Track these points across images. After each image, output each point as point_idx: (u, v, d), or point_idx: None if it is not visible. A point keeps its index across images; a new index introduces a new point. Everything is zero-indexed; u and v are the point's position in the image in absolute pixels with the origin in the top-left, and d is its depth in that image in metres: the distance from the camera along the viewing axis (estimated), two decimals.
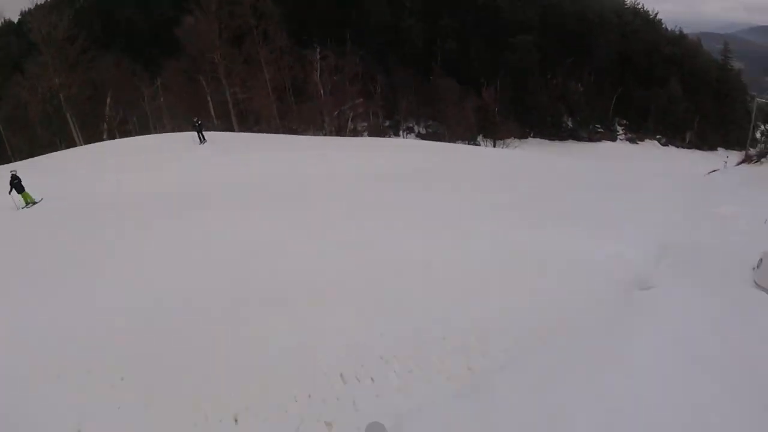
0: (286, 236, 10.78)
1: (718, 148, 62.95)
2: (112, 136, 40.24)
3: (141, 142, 31.21)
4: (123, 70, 46.32)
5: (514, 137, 54.03)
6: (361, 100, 48.91)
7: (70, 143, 40.50)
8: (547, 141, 61.26)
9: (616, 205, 14.09)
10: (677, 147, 64.78)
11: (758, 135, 61.95)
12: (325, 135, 43.23)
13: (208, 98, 42.38)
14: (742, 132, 66.07)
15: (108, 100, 44.61)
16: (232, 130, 40.55)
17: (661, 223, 11.93)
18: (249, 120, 44.39)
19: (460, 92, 54.54)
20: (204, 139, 29.02)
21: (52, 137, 42.86)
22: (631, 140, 65.45)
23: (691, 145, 65.28)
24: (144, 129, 42.50)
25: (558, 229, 10.94)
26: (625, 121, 67.66)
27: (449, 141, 51.95)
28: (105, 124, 44.60)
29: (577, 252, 9.37)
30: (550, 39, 61.29)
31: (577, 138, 63.02)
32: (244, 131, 40.13)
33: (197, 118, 31.02)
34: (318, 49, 45.25)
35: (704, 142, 64.95)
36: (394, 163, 22.44)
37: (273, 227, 11.62)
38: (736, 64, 75.46)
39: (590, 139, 62.87)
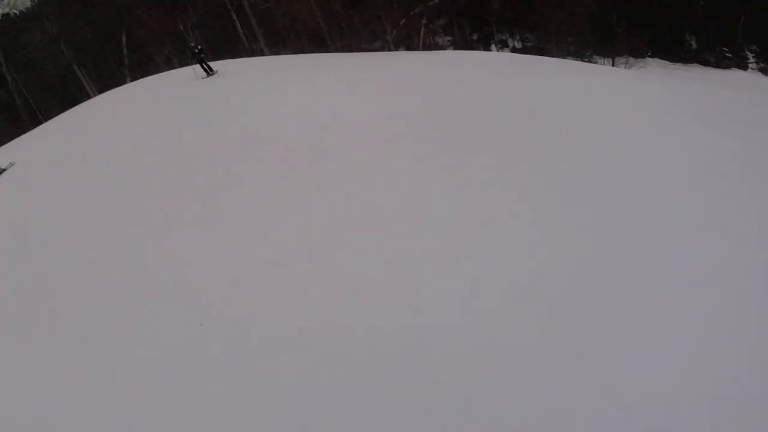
0: None
1: None
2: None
3: (132, 90, 22.80)
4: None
5: (629, 55, 41.95)
6: (437, 0, 36.03)
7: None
8: (668, 63, 49.44)
9: None
10: None
11: None
12: (389, 50, 31.54)
13: (233, 17, 31.84)
14: None
15: (123, 40, 36.13)
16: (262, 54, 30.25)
17: None
18: (289, 38, 33.39)
19: None
20: (210, 70, 20.26)
21: (74, 91, 36.05)
22: (764, 71, 51.53)
23: None
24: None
25: None
26: (755, 47, 53.04)
27: (556, 56, 39.62)
28: (126, 69, 36.39)
29: None
30: None
31: (703, 62, 50.60)
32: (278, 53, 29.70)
33: (195, 43, 21.67)
34: None
35: None
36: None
37: None
38: None
39: (718, 65, 49.93)
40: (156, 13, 35.52)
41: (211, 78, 19.95)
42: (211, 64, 20.91)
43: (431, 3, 36.15)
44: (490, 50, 43.27)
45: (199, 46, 20.91)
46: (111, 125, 16.42)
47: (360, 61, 21.90)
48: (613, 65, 40.05)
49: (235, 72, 20.73)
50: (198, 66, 20.28)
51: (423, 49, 33.48)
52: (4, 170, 14.93)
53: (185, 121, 13.99)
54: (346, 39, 31.46)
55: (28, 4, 34.93)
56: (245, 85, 17.31)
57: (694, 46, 52.04)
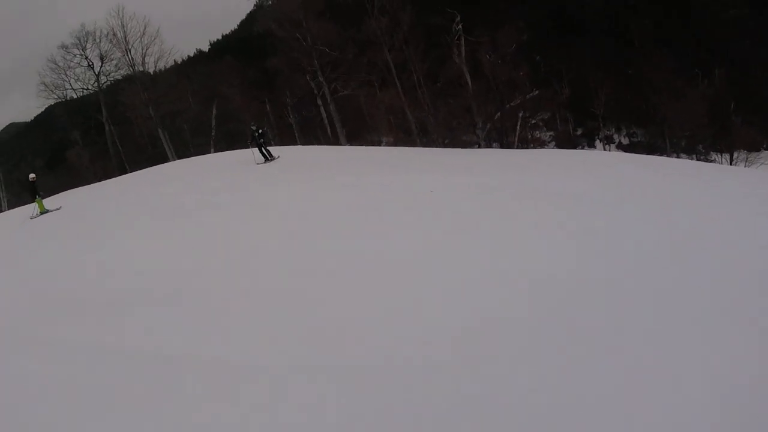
0: None
1: None
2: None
3: (187, 164, 21.97)
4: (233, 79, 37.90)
5: (745, 149, 35.54)
6: (537, 92, 32.78)
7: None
8: None
9: None
10: None
11: None
12: (479, 146, 28.16)
13: (319, 102, 30.61)
14: None
15: (213, 112, 36.84)
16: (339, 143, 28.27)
17: None
18: (372, 127, 31.51)
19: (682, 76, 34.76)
20: (270, 155, 18.26)
21: (161, 152, 37.80)
22: None
23: None
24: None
25: None
26: None
27: (671, 154, 34.30)
28: (212, 140, 36.83)
29: None
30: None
31: None
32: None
33: (256, 126, 19.60)
34: (458, 18, 28.96)
35: None
36: None
37: None
38: None
39: None
40: (246, 92, 35.82)
41: (266, 164, 17.78)
42: (273, 149, 19.05)
43: (530, 95, 33.00)
44: (594, 147, 38.95)
45: (260, 130, 19.04)
46: (136, 199, 15.66)
47: (437, 158, 18.66)
48: (731, 163, 33.91)
49: (295, 159, 18.64)
50: (257, 150, 18.20)
51: (519, 146, 29.88)
52: (48, 211, 15.71)
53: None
54: (432, 131, 28.65)
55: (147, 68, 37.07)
56: (281, 181, 14.78)
57: None
